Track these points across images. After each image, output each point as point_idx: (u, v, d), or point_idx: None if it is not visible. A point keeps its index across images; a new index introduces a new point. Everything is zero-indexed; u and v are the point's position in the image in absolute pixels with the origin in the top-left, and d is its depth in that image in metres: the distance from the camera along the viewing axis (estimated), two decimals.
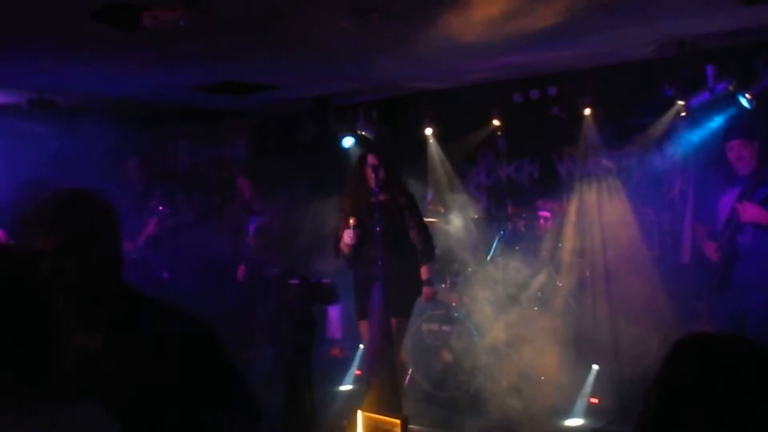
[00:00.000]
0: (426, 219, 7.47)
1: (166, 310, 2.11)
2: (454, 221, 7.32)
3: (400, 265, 5.48)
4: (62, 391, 1.57)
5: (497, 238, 7.01)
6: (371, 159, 5.62)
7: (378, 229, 5.36)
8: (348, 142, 8.08)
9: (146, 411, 1.91)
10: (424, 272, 5.70)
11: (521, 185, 8.10)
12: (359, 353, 6.75)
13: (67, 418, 1.53)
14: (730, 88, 6.17)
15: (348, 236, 5.48)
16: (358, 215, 5.53)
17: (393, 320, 5.37)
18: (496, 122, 7.78)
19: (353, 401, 5.43)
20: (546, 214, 7.19)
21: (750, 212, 5.15)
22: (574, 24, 5.70)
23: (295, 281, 5.36)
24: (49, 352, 1.57)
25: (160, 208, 7.22)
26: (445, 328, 6.63)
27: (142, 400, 1.91)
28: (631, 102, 6.79)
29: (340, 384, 6.89)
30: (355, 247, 5.54)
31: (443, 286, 6.95)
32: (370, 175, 5.53)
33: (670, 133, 7.01)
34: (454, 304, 6.79)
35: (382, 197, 5.50)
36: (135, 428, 1.78)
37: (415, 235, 5.64)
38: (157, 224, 7.20)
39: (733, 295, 5.25)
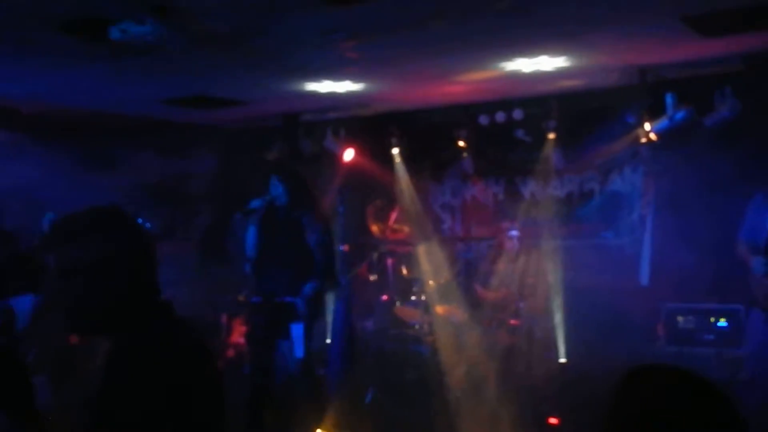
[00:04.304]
0: (394, 237, 7.56)
1: (179, 331, 2.08)
2: (419, 240, 7.38)
3: (291, 284, 5.41)
4: None
5: (461, 257, 7.08)
6: (273, 176, 5.64)
7: (279, 244, 5.39)
8: (349, 155, 8.02)
9: (132, 421, 1.90)
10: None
11: (486, 205, 8.21)
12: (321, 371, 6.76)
13: None
14: (689, 116, 6.34)
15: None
16: (267, 231, 5.55)
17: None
18: (462, 143, 7.88)
19: (313, 420, 5.43)
20: (514, 234, 7.27)
21: None
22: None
23: (257, 299, 5.39)
24: None
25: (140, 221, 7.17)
26: (408, 347, 6.66)
27: (130, 412, 1.91)
28: (594, 127, 6.93)
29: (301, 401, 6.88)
30: (260, 263, 5.56)
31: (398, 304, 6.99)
32: (277, 192, 5.56)
33: (631, 158, 7.18)
34: (416, 324, 6.83)
35: (284, 215, 5.53)
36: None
37: (316, 255, 5.48)
38: None
39: None
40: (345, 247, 5.80)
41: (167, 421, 1.89)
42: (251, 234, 5.62)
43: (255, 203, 5.59)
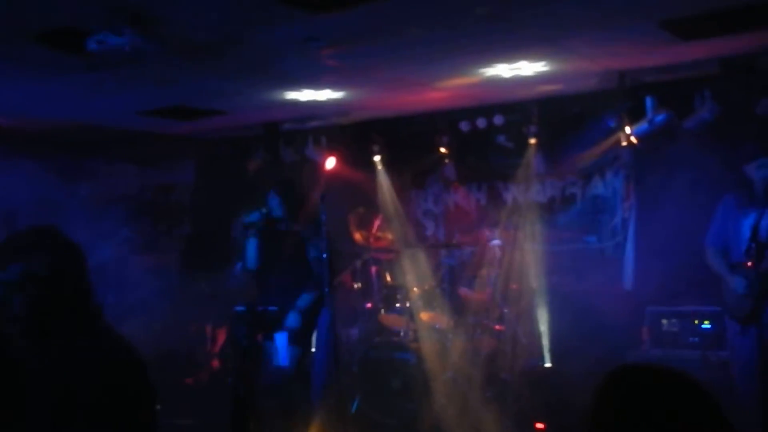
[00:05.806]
0: (378, 244, 7.54)
1: (108, 339, 2.27)
2: (402, 247, 7.37)
3: (288, 295, 5.44)
4: None
5: (444, 264, 7.07)
6: (272, 188, 5.64)
7: (280, 258, 5.41)
8: (330, 163, 7.99)
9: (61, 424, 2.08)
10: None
11: (469, 212, 8.21)
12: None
13: None
14: (669, 119, 6.38)
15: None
16: (267, 243, 5.55)
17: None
18: (443, 150, 7.89)
19: (298, 429, 5.39)
20: (497, 243, 7.27)
21: None
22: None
23: (241, 309, 5.35)
24: None
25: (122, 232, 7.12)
26: (393, 354, 6.64)
27: (60, 415, 2.08)
28: (575, 132, 6.96)
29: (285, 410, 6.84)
30: (261, 274, 5.57)
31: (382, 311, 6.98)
32: (273, 204, 5.56)
33: (612, 162, 7.21)
34: (401, 331, 6.81)
35: (284, 227, 5.53)
36: None
37: (315, 268, 5.44)
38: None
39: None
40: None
41: (90, 419, 2.08)
42: (251, 246, 5.59)
43: (252, 217, 5.56)
